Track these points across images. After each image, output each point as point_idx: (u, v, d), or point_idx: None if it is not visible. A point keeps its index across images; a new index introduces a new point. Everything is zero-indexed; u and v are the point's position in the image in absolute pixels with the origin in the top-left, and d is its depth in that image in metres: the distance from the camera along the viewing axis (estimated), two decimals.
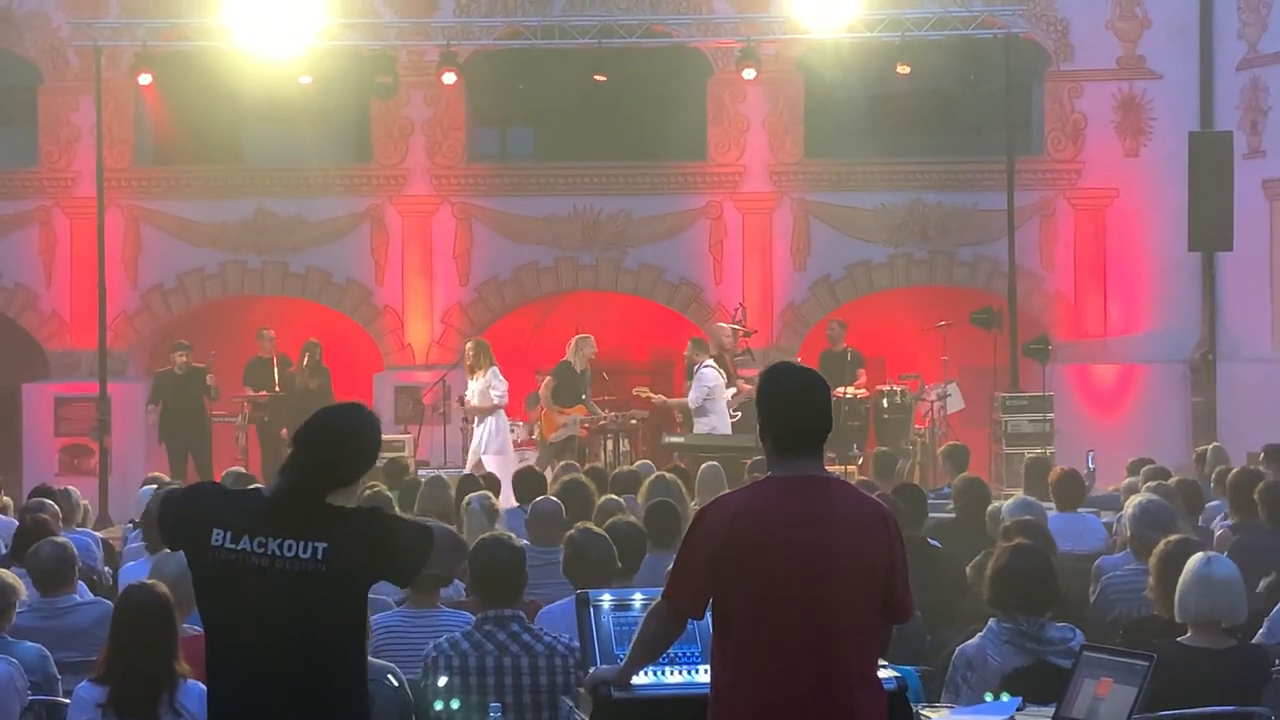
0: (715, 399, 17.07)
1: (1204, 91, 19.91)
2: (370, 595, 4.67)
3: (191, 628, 6.57)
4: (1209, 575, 6.30)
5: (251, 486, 4.80)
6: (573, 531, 7.38)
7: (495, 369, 17.07)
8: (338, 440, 4.48)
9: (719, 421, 17.04)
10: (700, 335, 17.95)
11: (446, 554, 4.71)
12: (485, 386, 16.95)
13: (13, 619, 6.95)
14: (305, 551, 4.34)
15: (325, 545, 4.35)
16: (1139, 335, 20.14)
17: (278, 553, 4.35)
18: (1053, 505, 10.51)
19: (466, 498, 9.96)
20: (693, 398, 17.05)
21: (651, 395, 17.84)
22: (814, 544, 4.52)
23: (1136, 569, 7.97)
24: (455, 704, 6.08)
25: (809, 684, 4.49)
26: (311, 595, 4.35)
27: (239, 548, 4.36)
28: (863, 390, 18.63)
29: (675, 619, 4.73)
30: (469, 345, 17.60)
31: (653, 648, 4.85)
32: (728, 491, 5.07)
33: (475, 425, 17.47)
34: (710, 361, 17.23)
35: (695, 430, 16.83)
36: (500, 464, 15.81)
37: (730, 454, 14.37)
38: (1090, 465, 16.00)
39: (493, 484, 11.83)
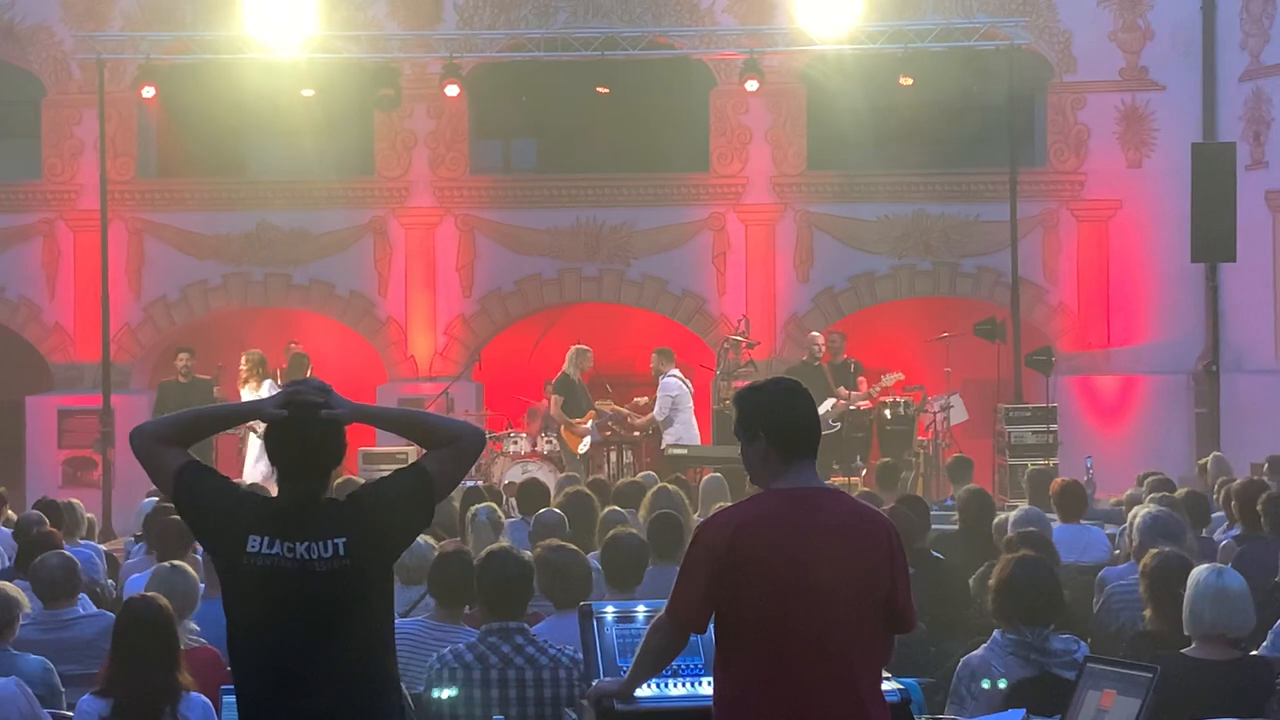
0: (680, 408, 17.02)
1: (1207, 103, 19.91)
2: None
3: (195, 639, 6.57)
4: (1224, 588, 6.22)
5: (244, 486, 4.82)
6: (540, 550, 7.19)
7: (271, 383, 16.64)
8: (312, 437, 4.51)
9: (684, 431, 17.00)
10: (668, 346, 17.95)
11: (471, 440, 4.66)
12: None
13: (16, 631, 6.94)
14: (327, 550, 4.40)
15: (344, 540, 4.41)
16: (1142, 346, 20.12)
17: (306, 556, 4.40)
18: (1056, 516, 10.50)
19: (472, 509, 9.92)
20: (658, 410, 17.03)
21: (614, 406, 17.84)
22: (815, 555, 4.52)
23: None
24: (459, 714, 6.08)
25: (814, 695, 4.48)
26: (342, 591, 4.40)
27: (273, 552, 4.40)
28: (866, 401, 18.61)
29: (678, 633, 4.73)
30: (244, 357, 17.26)
31: (656, 661, 4.85)
32: (728, 505, 5.06)
33: (245, 443, 16.98)
34: (674, 371, 17.20)
35: (663, 442, 16.77)
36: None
37: (733, 465, 14.32)
38: (1089, 471, 16.01)
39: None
